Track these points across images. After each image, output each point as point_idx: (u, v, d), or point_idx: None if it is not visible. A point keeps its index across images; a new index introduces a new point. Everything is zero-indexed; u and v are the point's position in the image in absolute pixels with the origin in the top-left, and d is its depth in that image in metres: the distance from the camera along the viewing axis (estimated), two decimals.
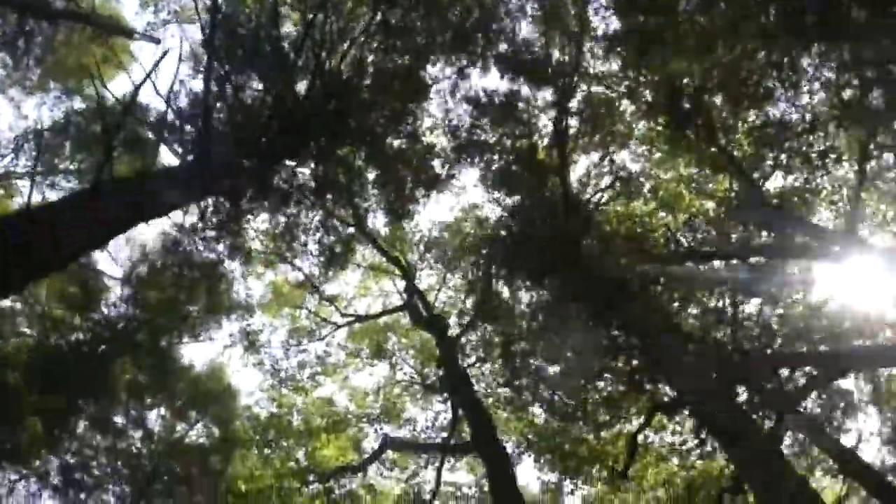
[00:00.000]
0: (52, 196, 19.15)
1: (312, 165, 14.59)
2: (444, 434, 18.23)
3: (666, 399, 16.11)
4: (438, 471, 17.42)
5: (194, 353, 54.51)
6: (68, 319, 18.52)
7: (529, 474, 29.54)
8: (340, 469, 18.45)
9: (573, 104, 15.79)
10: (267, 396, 22.09)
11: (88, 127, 18.09)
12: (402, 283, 20.69)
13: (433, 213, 54.70)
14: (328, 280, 19.45)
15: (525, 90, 16.55)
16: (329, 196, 15.63)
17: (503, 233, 16.30)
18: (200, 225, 16.71)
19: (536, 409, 20.13)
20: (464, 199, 19.83)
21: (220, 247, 17.73)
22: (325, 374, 22.38)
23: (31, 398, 16.66)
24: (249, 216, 16.78)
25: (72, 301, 18.20)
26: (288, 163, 14.20)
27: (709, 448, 18.16)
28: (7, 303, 18.50)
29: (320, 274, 18.32)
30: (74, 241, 8.81)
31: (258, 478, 20.36)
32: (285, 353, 22.38)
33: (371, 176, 16.85)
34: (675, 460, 20.97)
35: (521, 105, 16.54)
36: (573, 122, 16.29)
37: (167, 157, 17.37)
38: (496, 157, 16.88)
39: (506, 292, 18.15)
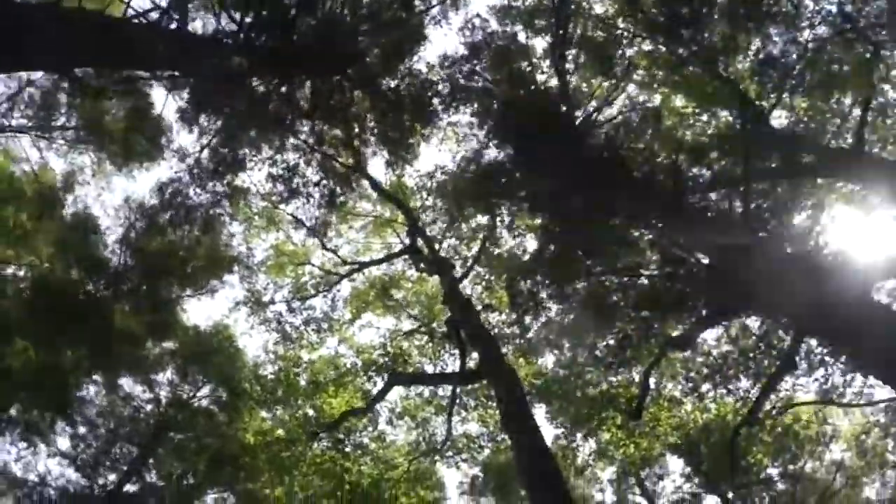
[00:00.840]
0: None
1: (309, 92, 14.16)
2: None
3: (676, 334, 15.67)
4: (449, 414, 17.03)
5: (198, 313, 54.31)
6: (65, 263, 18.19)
7: (541, 425, 29.01)
8: (348, 413, 18.06)
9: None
10: (273, 355, 21.81)
11: None
12: (406, 239, 20.22)
13: (433, 158, 54.10)
14: (330, 226, 19.02)
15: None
16: (327, 128, 15.17)
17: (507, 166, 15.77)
18: (197, 168, 16.47)
19: (546, 356, 20.01)
20: (464, 144, 19.35)
21: (219, 187, 17.52)
22: (330, 329, 22.07)
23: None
24: (248, 155, 16.52)
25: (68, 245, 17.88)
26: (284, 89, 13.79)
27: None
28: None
29: (322, 220, 17.89)
30: None
31: (267, 431, 20.12)
32: (290, 311, 22.05)
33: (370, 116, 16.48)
34: (689, 405, 20.76)
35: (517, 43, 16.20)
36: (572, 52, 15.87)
37: None
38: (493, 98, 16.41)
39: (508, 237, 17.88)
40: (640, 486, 25.26)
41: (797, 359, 14.11)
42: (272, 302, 22.24)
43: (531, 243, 17.30)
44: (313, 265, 21.85)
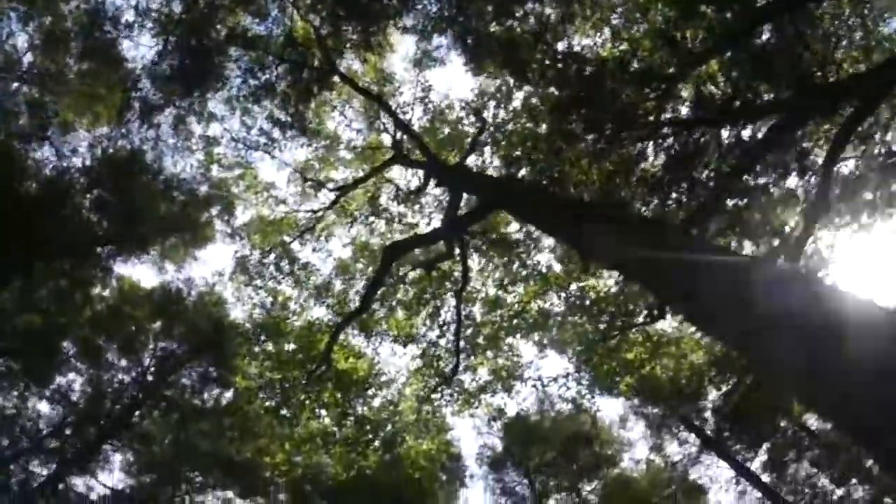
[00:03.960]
0: None
1: None
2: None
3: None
4: (463, 261, 15.53)
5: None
6: None
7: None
8: (350, 316, 16.56)
9: None
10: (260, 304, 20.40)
11: None
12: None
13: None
14: (306, 134, 17.95)
15: None
16: None
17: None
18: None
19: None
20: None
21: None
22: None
23: None
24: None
25: None
26: None
27: None
28: None
29: (294, 119, 16.84)
30: None
31: (262, 370, 18.71)
32: (277, 271, 20.69)
33: None
34: None
35: None
36: None
37: None
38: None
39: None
40: None
41: None
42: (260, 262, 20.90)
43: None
44: (297, 210, 20.63)
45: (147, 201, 17.88)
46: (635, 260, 6.63)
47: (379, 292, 18.76)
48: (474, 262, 18.85)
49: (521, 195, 11.18)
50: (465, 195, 14.72)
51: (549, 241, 18.64)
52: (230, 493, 25.04)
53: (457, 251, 15.40)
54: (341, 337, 19.24)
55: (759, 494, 20.57)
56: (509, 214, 16.39)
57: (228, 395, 21.68)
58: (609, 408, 45.73)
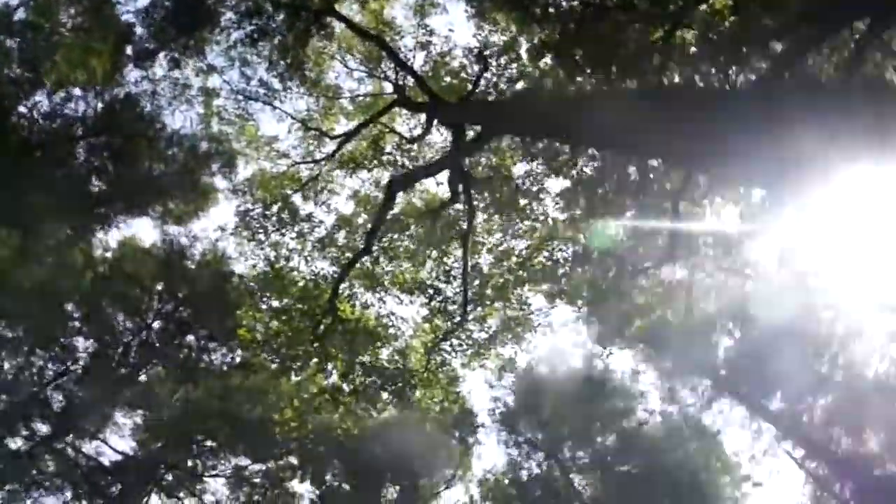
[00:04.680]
0: None
1: None
2: None
3: None
4: (469, 203, 15.21)
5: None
6: None
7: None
8: (355, 257, 16.30)
9: None
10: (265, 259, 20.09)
11: None
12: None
13: None
14: (305, 84, 17.58)
15: None
16: None
17: None
18: None
19: None
20: None
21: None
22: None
23: None
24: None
25: None
26: None
27: None
28: None
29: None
30: None
31: (267, 324, 18.47)
32: (280, 224, 20.36)
33: None
34: None
35: None
36: None
37: None
38: None
39: None
40: None
41: None
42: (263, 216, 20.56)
43: None
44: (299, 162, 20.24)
45: (146, 154, 17.58)
46: (656, 131, 6.28)
47: (385, 241, 18.57)
48: (480, 211, 18.53)
49: (522, 111, 10.83)
50: (468, 131, 14.32)
51: (555, 186, 18.29)
52: (243, 460, 25.07)
53: (461, 190, 15.11)
54: (347, 291, 19.06)
55: (776, 432, 20.41)
56: (511, 137, 16.03)
57: (235, 354, 21.54)
58: (620, 362, 45.75)
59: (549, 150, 16.65)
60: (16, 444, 19.80)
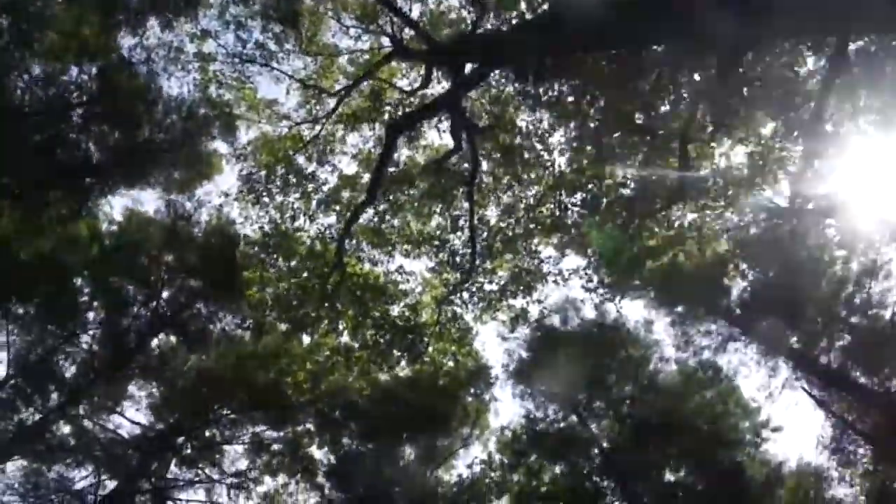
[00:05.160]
0: None
1: None
2: None
3: None
4: (472, 151, 14.92)
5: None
6: None
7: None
8: (359, 207, 16.12)
9: None
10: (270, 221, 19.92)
11: None
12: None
13: None
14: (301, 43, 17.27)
15: None
16: None
17: None
18: None
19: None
20: None
21: None
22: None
23: None
24: None
25: None
26: None
27: None
28: None
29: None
30: None
31: (276, 284, 18.35)
32: (284, 184, 20.16)
33: None
34: None
35: None
36: None
37: None
38: None
39: None
40: None
41: None
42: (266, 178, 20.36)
43: None
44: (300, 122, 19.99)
45: (144, 120, 17.36)
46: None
47: (390, 196, 18.35)
48: (484, 159, 18.25)
49: (521, 41, 10.52)
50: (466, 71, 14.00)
51: (559, 137, 17.97)
52: (260, 427, 25.11)
53: (464, 137, 14.84)
54: (355, 248, 18.93)
55: (790, 372, 20.25)
56: (510, 70, 15.69)
57: (246, 318, 21.43)
58: (633, 312, 45.69)
59: (553, 91, 16.31)
60: (33, 417, 19.85)
